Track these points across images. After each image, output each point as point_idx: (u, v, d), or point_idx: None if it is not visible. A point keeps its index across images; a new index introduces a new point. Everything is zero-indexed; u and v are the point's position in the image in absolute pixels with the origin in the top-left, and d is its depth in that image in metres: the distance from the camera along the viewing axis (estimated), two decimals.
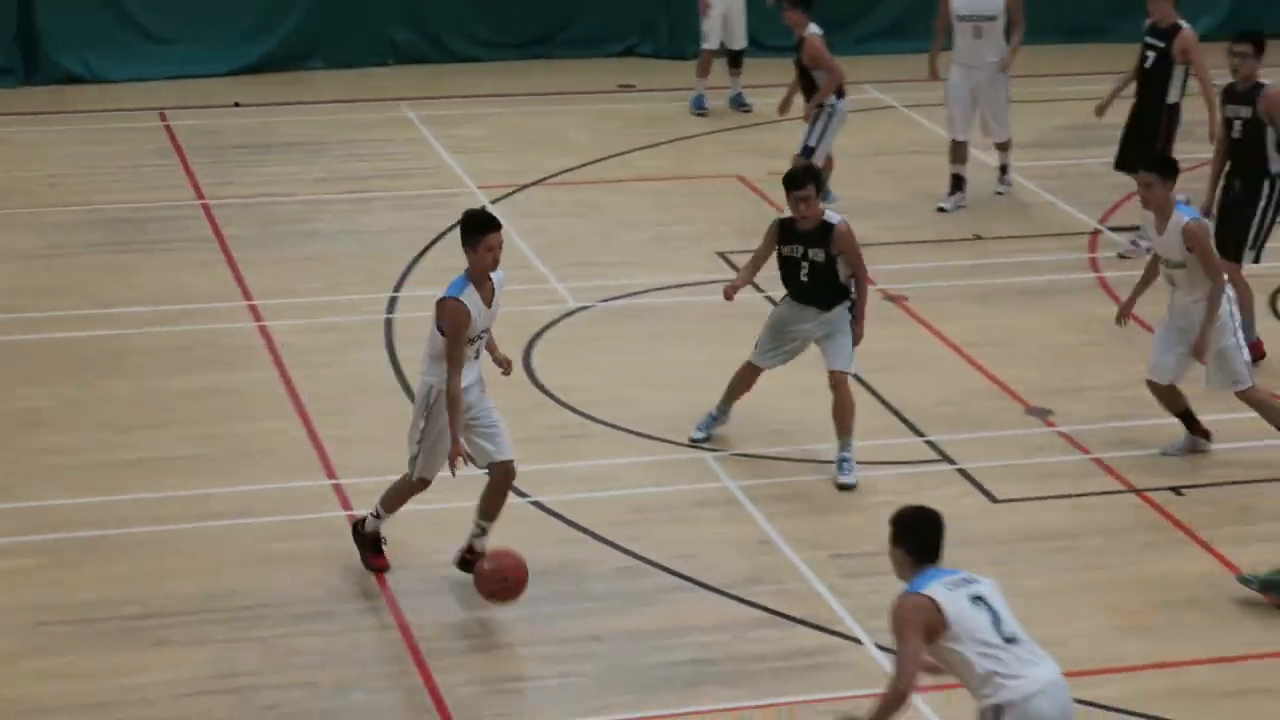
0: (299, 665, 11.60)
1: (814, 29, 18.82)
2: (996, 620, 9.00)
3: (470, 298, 12.02)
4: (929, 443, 14.52)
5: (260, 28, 24.34)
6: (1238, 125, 16.08)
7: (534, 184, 20.08)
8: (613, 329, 16.65)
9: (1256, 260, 16.05)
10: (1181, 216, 13.90)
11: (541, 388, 15.37)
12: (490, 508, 12.40)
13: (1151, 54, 18.06)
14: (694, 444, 14.25)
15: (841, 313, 13.94)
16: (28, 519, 13.22)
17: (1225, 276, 14.15)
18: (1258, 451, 14.45)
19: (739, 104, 22.89)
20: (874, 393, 15.21)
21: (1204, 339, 13.87)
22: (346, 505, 13.47)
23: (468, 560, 12.41)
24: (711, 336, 16.04)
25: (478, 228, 12.13)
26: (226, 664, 11.56)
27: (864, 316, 13.99)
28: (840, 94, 18.87)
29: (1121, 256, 18.20)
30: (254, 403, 15.13)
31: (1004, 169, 19.94)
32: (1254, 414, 14.34)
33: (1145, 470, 14.01)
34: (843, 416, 13.88)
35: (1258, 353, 15.62)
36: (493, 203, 19.38)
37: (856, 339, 13.99)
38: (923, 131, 21.88)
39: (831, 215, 13.95)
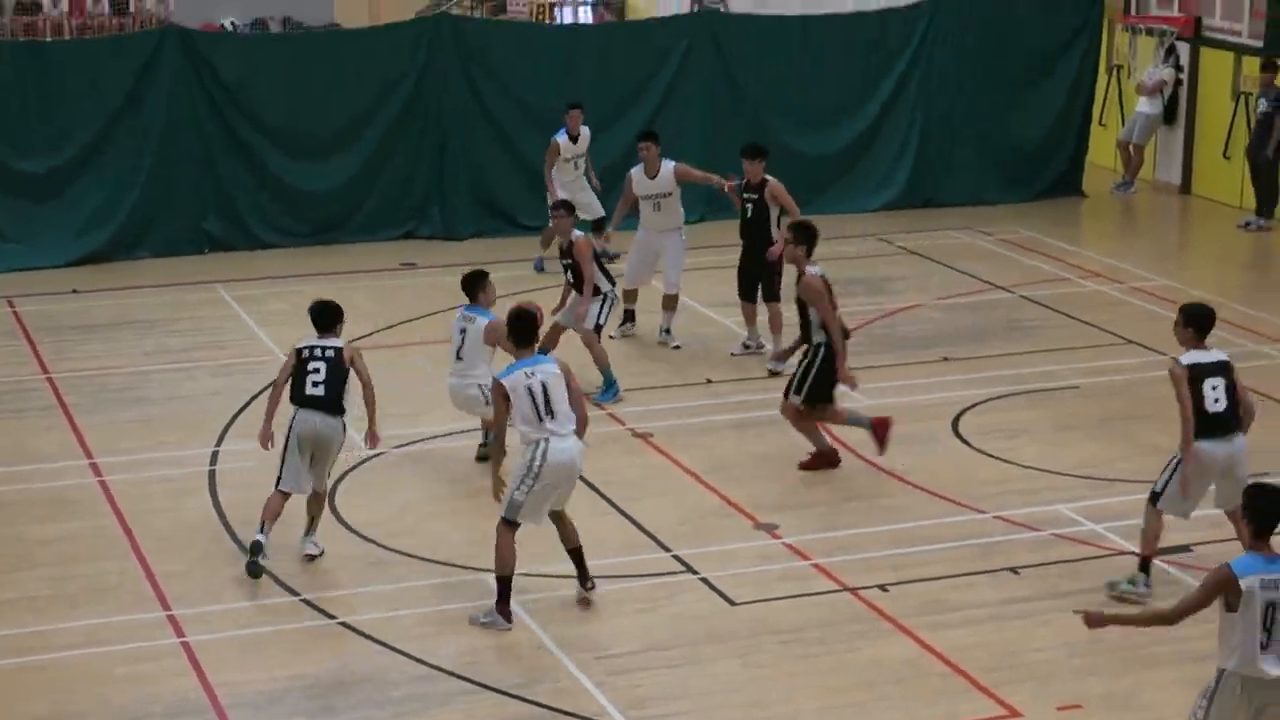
0: None
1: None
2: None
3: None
4: (675, 556, 14.55)
5: (92, 224, 24.06)
6: None
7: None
8: (404, 471, 16.52)
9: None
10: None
11: (345, 524, 15.22)
12: None
13: (750, 205, 19.49)
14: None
15: None
16: None
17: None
18: (953, 551, 14.62)
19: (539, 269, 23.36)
20: (626, 515, 15.24)
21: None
22: (180, 632, 13.22)
23: None
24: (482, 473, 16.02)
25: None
26: None
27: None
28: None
29: (734, 354, 19.68)
30: (98, 546, 14.84)
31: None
32: (959, 516, 14.63)
33: (857, 572, 14.13)
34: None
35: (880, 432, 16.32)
36: None
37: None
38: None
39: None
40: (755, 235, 19.51)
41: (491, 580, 13.51)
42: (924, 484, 16.01)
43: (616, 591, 13.86)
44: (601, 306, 18.45)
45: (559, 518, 13.51)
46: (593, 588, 13.66)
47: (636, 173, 20.32)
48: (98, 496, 15.91)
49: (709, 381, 18.94)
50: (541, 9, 42.09)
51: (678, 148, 25.35)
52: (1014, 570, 14.26)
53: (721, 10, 32.15)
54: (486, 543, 13.90)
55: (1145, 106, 27.77)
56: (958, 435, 17.25)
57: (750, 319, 19.65)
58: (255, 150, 24.72)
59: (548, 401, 13.06)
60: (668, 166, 20.17)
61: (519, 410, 13.01)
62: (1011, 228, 25.60)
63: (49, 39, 36.33)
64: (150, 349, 20.24)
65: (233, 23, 40.81)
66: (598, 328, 18.51)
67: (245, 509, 15.23)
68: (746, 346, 19.62)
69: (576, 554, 13.63)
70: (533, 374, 13.10)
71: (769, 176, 19.56)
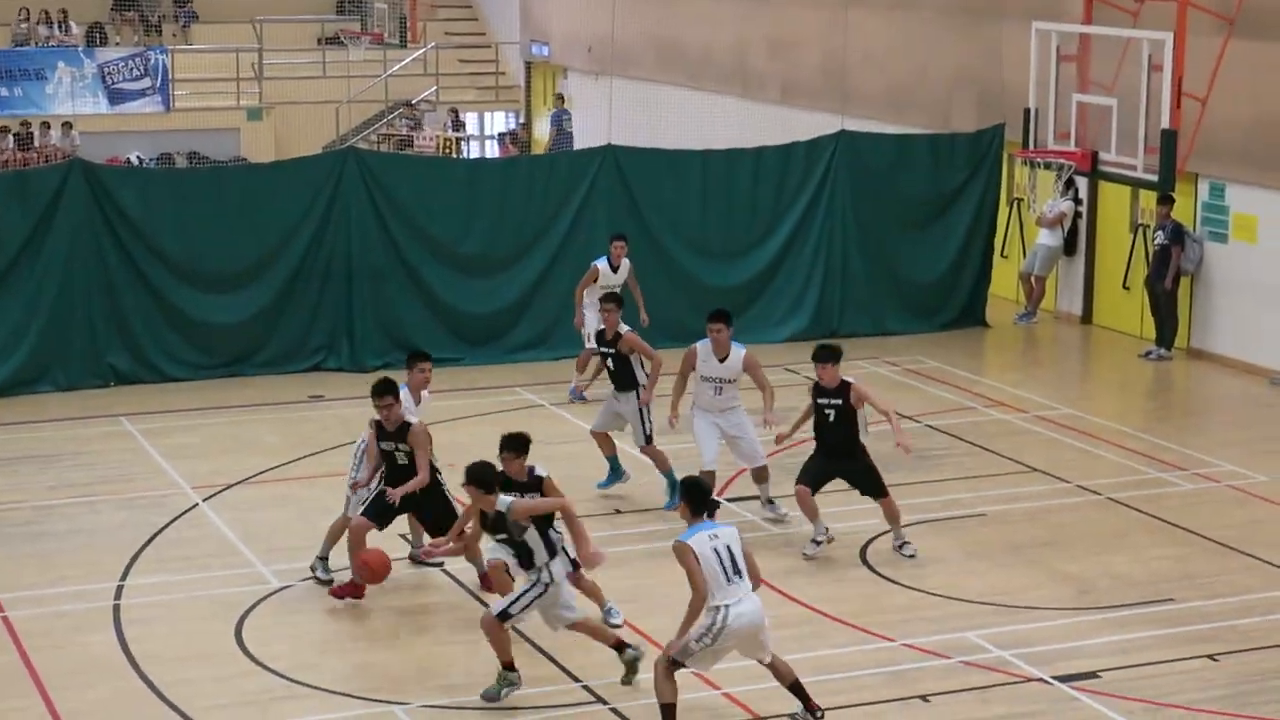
0: None
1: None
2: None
3: None
4: (585, 687, 14.45)
5: None
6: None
7: (239, 483, 19.82)
8: (310, 604, 16.37)
9: None
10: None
11: (251, 656, 15.06)
12: None
13: (831, 411, 17.45)
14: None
15: None
16: None
17: None
18: (862, 679, 14.61)
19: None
20: (537, 646, 15.16)
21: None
22: None
23: None
24: (390, 604, 15.93)
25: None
26: None
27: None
28: None
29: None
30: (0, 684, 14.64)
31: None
32: (868, 644, 14.58)
33: (767, 699, 14.04)
34: None
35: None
36: (205, 500, 19.13)
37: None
38: (568, 425, 22.07)
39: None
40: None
41: (401, 711, 13.36)
42: (832, 612, 16.02)
43: None
44: (643, 412, 19.00)
45: (770, 665, 13.68)
46: (822, 716, 13.68)
47: (703, 349, 18.34)
48: None
49: (618, 512, 18.92)
50: (449, 143, 42.41)
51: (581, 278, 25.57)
52: (924, 698, 14.26)
53: None
54: (394, 676, 13.81)
55: (1046, 239, 28.17)
56: (865, 563, 17.29)
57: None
58: (160, 284, 24.63)
59: (733, 562, 13.27)
60: (739, 352, 18.26)
61: (708, 573, 13.19)
62: (916, 358, 25.83)
63: None
64: (53, 483, 20.04)
65: (139, 158, 40.84)
66: (649, 438, 18.92)
67: (151, 643, 15.06)
68: (817, 542, 17.60)
69: (796, 688, 13.67)
70: (716, 536, 13.33)
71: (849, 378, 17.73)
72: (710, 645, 13.23)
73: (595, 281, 23.46)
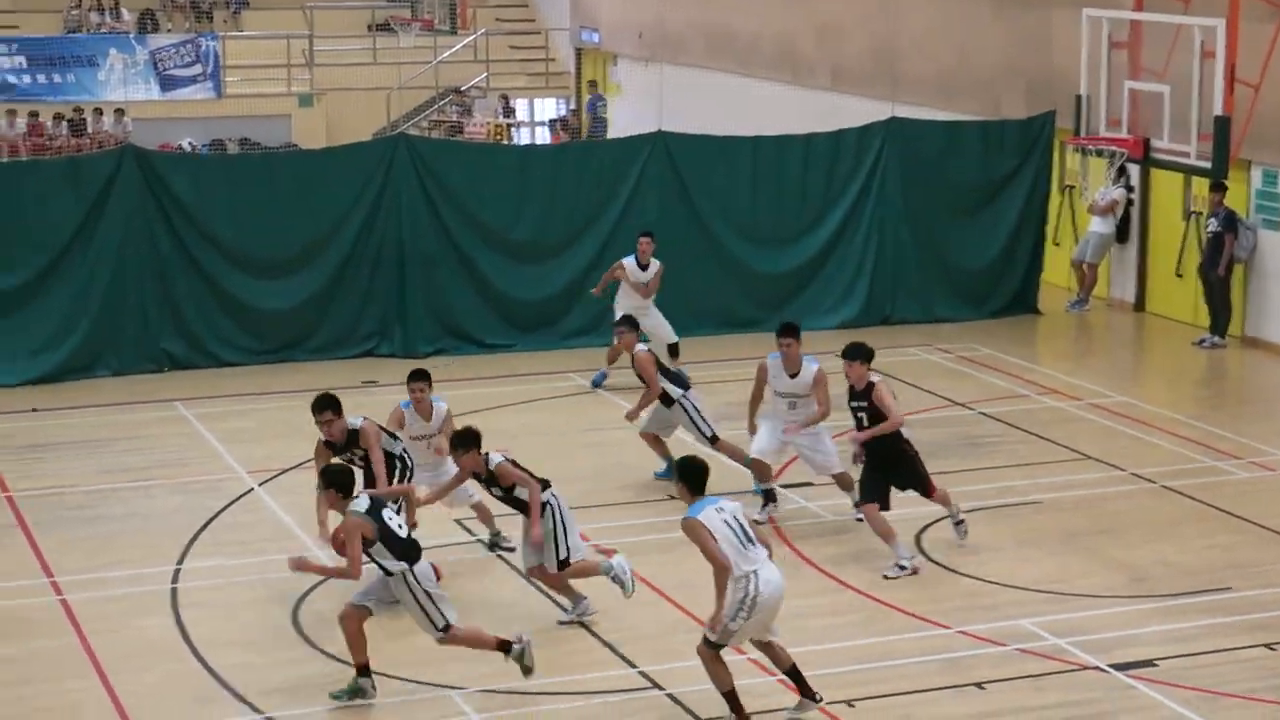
0: None
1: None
2: None
3: None
4: (641, 673, 14.45)
5: (49, 344, 24.01)
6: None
7: (294, 467, 19.85)
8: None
9: None
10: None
11: (308, 640, 15.10)
12: None
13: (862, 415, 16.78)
14: None
15: None
16: None
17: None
18: (918, 666, 14.57)
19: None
20: (591, 631, 15.15)
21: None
22: None
23: None
24: (448, 588, 15.92)
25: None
26: None
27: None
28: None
29: None
30: (59, 666, 14.67)
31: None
32: (923, 632, 14.73)
33: (821, 687, 13.97)
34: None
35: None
36: (260, 484, 19.19)
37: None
38: (618, 410, 22.04)
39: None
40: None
41: (457, 696, 13.38)
42: (887, 599, 15.98)
43: (584, 709, 13.75)
44: (693, 415, 18.77)
45: (768, 645, 13.52)
46: (821, 700, 13.54)
47: (774, 365, 17.83)
48: (58, 615, 15.75)
49: (670, 498, 18.89)
50: (499, 129, 42.42)
51: None
52: (979, 685, 14.21)
53: None
54: (450, 658, 13.84)
55: (1098, 226, 28.03)
56: (921, 551, 17.23)
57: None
58: (212, 269, 24.72)
59: (745, 532, 13.19)
60: (810, 368, 17.68)
61: (726, 544, 13.05)
62: (969, 345, 25.75)
63: (5, 159, 36.37)
64: (109, 467, 20.12)
65: (190, 144, 40.96)
66: (713, 437, 18.75)
67: (207, 627, 15.11)
68: (901, 566, 16.71)
69: (793, 672, 13.54)
70: (721, 509, 13.23)
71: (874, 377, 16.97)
72: (747, 619, 13.07)
73: (625, 278, 23.34)
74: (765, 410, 18.06)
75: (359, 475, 15.07)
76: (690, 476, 13.38)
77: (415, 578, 13.59)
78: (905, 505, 18.01)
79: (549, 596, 15.69)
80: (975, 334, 26.49)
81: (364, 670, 13.84)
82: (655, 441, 19.20)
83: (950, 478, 19.03)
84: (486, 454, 15.16)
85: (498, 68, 46.29)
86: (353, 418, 15.90)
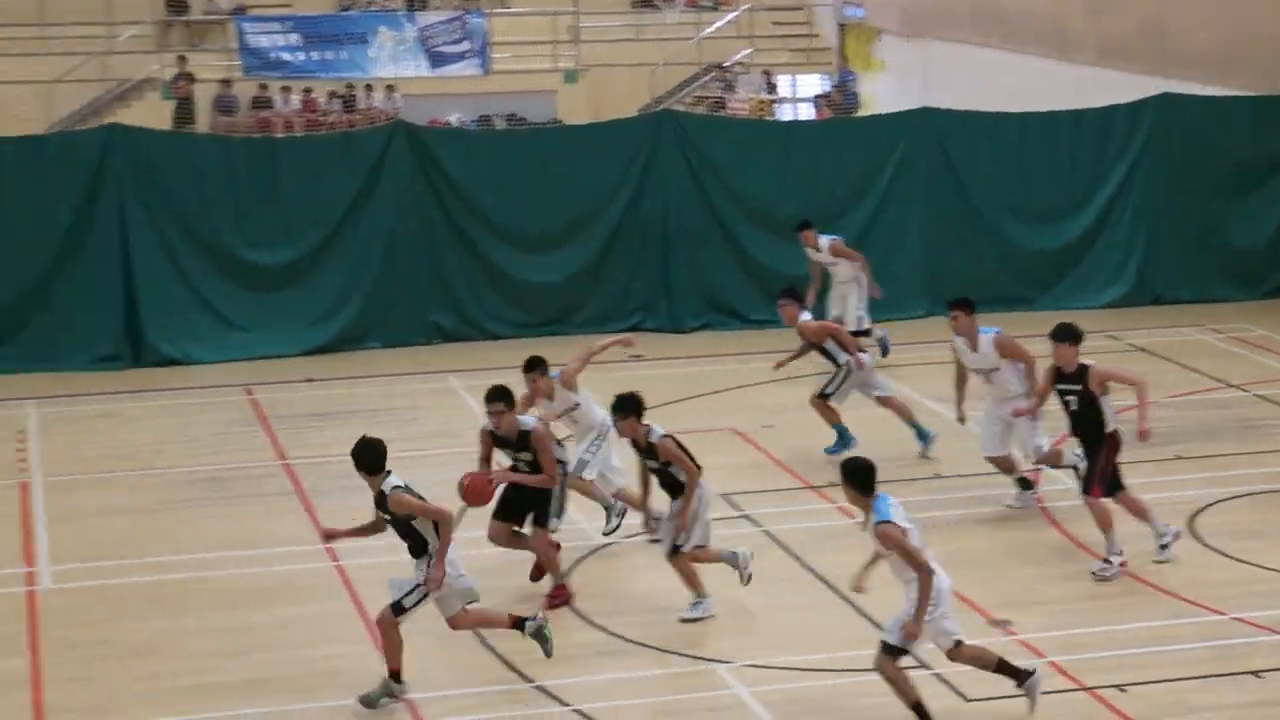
0: None
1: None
2: None
3: None
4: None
5: (325, 316, 24.57)
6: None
7: (566, 438, 19.96)
8: (635, 560, 16.50)
9: None
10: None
11: (576, 612, 15.23)
12: None
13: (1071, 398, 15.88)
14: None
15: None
16: None
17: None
18: (1190, 652, 14.29)
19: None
20: (857, 608, 15.07)
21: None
22: (418, 717, 13.28)
23: None
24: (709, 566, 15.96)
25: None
26: None
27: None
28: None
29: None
30: (333, 630, 14.97)
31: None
32: (1196, 617, 14.53)
33: (1093, 671, 13.83)
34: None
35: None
36: None
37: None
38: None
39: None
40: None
41: (723, 669, 13.42)
42: (1158, 583, 15.67)
43: (847, 685, 13.69)
44: (834, 377, 19.01)
45: (957, 651, 13.01)
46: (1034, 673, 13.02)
47: (959, 342, 17.50)
48: (333, 580, 16.07)
49: (938, 476, 18.76)
50: (762, 106, 42.34)
51: (900, 244, 25.37)
52: (1256, 674, 13.86)
53: None
54: (717, 633, 13.85)
55: None
56: (1194, 535, 16.88)
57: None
58: (481, 243, 25.07)
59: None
60: (986, 337, 17.28)
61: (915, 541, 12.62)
62: (1243, 326, 25.17)
63: (280, 135, 37.17)
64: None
65: (459, 119, 41.47)
66: (825, 394, 19.04)
67: (485, 596, 15.22)
68: (1109, 562, 15.93)
69: (1003, 666, 13.05)
70: (897, 507, 12.76)
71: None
72: (930, 620, 12.58)
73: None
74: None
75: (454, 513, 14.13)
76: (861, 478, 12.65)
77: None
78: (1178, 488, 17.71)
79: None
80: (1249, 314, 25.89)
81: (395, 675, 13.44)
82: (825, 408, 19.19)
83: (1223, 461, 18.67)
84: (649, 425, 14.98)
85: (760, 44, 46.16)
86: (525, 417, 15.31)
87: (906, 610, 12.54)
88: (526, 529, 15.46)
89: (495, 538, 15.53)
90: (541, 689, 13.75)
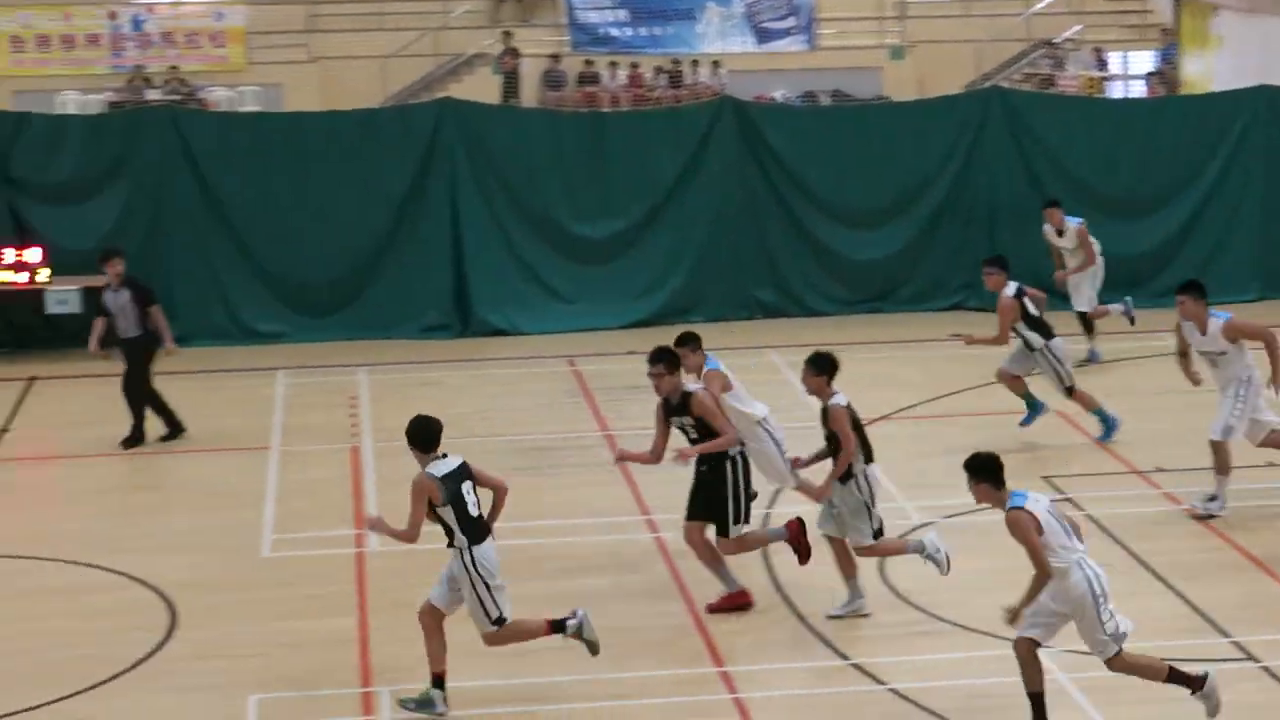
0: None
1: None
2: None
3: None
4: (1234, 642, 13.99)
5: (649, 289, 24.82)
6: None
7: (880, 418, 19.90)
8: (950, 542, 16.32)
9: None
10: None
11: (894, 590, 15.16)
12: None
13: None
14: None
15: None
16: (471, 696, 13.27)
17: None
18: None
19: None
20: (1183, 596, 14.74)
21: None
22: (733, 689, 13.34)
23: None
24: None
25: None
26: None
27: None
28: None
29: None
30: (651, 600, 15.10)
31: None
32: None
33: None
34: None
35: None
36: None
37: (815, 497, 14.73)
38: None
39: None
40: None
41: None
42: None
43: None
44: (1054, 363, 18.94)
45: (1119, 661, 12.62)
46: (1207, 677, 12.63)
47: (1186, 325, 16.84)
48: (652, 551, 16.22)
49: (1159, 469, 18.14)
50: (1092, 83, 41.57)
51: (1234, 225, 24.71)
52: None
53: None
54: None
55: None
56: None
57: None
58: (805, 220, 25.07)
59: (1064, 522, 12.42)
60: (1218, 322, 16.50)
61: (1052, 535, 12.21)
62: None
63: (607, 110, 37.58)
64: None
65: (784, 95, 41.48)
66: (1070, 388, 19.02)
67: (793, 571, 15.21)
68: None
69: (1174, 675, 12.60)
70: (1038, 500, 12.34)
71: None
72: (1106, 605, 12.17)
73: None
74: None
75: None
76: (993, 472, 12.28)
77: (473, 558, 12.84)
78: None
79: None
80: None
81: (439, 681, 13.11)
82: (1013, 381, 19.01)
83: None
84: (834, 390, 14.62)
85: (1091, 20, 45.31)
86: (693, 383, 14.72)
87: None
88: (710, 535, 14.83)
89: (690, 540, 14.89)
90: (858, 666, 13.72)
